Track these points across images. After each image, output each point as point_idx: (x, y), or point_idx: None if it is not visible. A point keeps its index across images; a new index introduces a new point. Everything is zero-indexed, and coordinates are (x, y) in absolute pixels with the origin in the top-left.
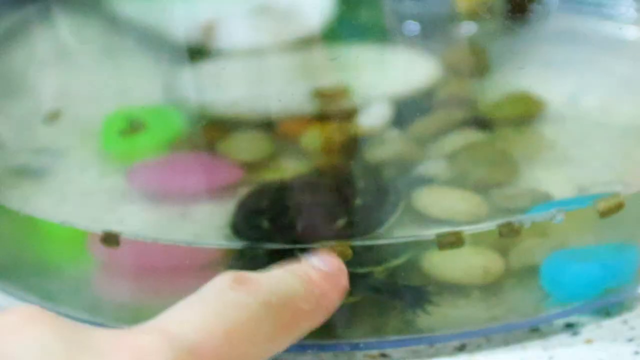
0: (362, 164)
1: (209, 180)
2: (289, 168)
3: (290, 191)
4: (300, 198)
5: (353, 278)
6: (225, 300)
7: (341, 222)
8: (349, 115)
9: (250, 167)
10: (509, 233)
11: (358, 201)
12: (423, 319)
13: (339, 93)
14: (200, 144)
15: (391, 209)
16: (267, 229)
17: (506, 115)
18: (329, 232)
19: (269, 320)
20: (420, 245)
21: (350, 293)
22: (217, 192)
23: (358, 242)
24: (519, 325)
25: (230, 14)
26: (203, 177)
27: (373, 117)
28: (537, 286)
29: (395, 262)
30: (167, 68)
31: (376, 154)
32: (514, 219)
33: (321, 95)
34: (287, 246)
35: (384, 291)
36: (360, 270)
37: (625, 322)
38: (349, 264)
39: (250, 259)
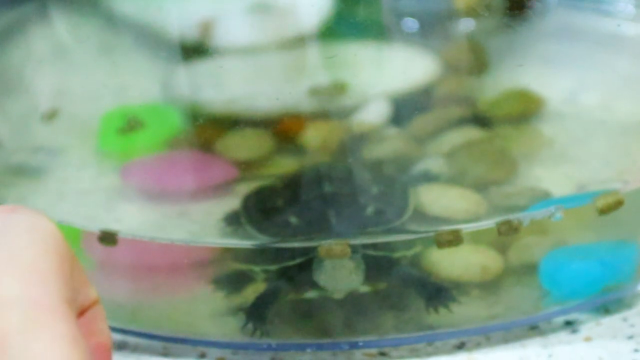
0: (365, 159)
1: (201, 178)
2: (289, 165)
3: (312, 185)
4: (324, 191)
5: (384, 262)
6: None
7: (370, 210)
8: (348, 113)
9: (249, 165)
10: (507, 231)
11: (376, 190)
12: (423, 317)
13: (336, 90)
14: (197, 142)
15: (406, 201)
16: (296, 224)
17: (505, 112)
18: (361, 220)
19: None
20: (419, 243)
21: (379, 279)
22: (210, 190)
23: (357, 241)
24: (518, 323)
25: (228, 12)
26: (196, 174)
27: (371, 114)
28: (536, 284)
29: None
30: (165, 66)
31: (375, 151)
32: (513, 216)
33: (318, 93)
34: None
35: (411, 281)
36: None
37: (624, 319)
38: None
39: (275, 254)
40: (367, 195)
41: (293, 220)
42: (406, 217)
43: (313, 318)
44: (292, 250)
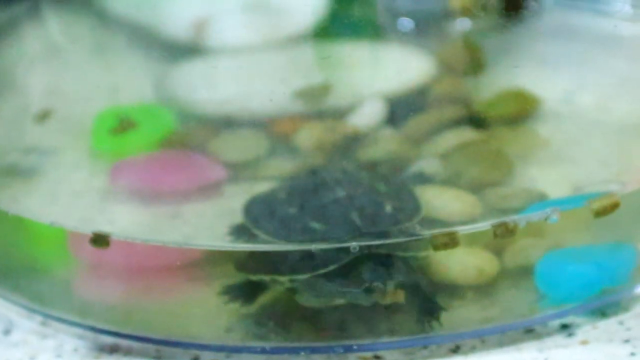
0: (360, 160)
1: (193, 179)
2: (283, 167)
3: (322, 188)
4: (337, 193)
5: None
6: None
7: (389, 208)
8: (342, 113)
9: (242, 166)
10: (503, 233)
11: (384, 188)
12: (419, 320)
13: (321, 92)
14: (191, 142)
15: (416, 197)
16: (320, 229)
17: (501, 113)
18: (383, 218)
19: None
20: (415, 246)
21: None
22: (203, 192)
23: (355, 243)
24: (514, 326)
25: (222, 12)
26: (187, 175)
27: (366, 115)
28: (532, 286)
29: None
30: (158, 66)
31: (370, 152)
32: (509, 219)
33: (303, 95)
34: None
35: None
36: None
37: (621, 323)
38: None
39: (304, 262)
40: (380, 194)
41: (315, 225)
42: (423, 213)
43: (307, 321)
44: (321, 256)
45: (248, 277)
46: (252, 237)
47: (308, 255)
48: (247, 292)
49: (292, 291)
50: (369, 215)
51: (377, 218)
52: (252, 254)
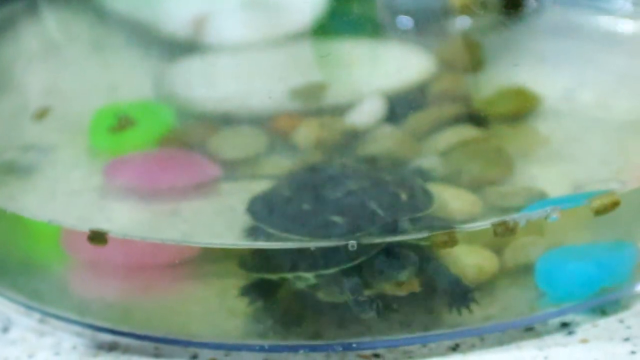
0: (359, 158)
1: (185, 177)
2: (282, 164)
3: (331, 182)
4: (348, 185)
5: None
6: None
7: (404, 196)
8: (342, 111)
9: (242, 163)
10: (504, 232)
11: (390, 178)
12: (418, 318)
13: (319, 90)
14: (190, 140)
15: (424, 186)
16: (342, 222)
17: (501, 111)
18: (401, 206)
19: None
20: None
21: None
22: (196, 189)
23: (353, 242)
24: (514, 325)
25: (221, 9)
26: (178, 173)
27: (366, 113)
28: (532, 285)
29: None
30: (157, 63)
31: (369, 150)
32: (509, 217)
33: (301, 93)
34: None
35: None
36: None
37: (621, 321)
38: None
39: (328, 257)
40: (389, 184)
41: (336, 219)
42: (436, 200)
43: (307, 319)
44: (345, 250)
45: (264, 277)
46: (268, 237)
47: (332, 250)
48: (265, 291)
49: (315, 287)
50: (387, 203)
51: (396, 207)
52: (268, 253)
